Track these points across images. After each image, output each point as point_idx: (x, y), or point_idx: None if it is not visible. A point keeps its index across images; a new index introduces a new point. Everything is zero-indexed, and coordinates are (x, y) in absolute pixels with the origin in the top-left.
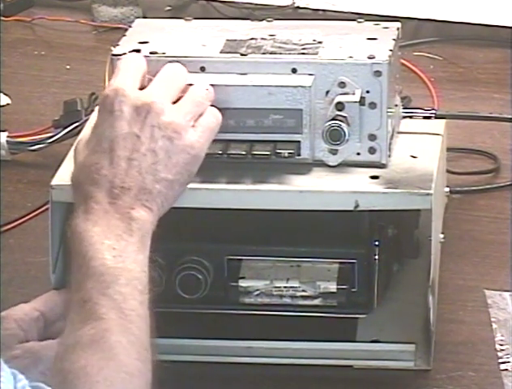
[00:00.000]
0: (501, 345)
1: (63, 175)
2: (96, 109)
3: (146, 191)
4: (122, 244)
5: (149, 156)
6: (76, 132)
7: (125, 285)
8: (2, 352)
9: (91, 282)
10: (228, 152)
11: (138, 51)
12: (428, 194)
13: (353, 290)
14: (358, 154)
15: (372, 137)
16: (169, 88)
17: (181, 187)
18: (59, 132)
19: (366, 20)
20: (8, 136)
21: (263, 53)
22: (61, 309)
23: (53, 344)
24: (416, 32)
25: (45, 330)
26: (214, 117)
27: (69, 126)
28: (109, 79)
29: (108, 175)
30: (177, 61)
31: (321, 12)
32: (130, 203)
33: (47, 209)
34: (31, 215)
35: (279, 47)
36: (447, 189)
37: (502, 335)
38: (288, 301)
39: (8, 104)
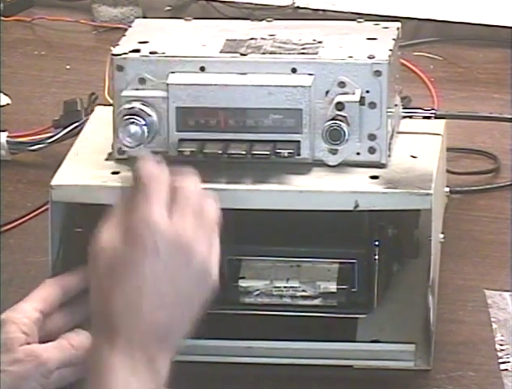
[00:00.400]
0: (501, 345)
1: (63, 175)
2: (97, 108)
3: (172, 337)
4: None
5: (179, 300)
6: (76, 132)
7: None
8: (3, 355)
9: None
10: (228, 152)
11: (137, 51)
12: (427, 194)
13: (353, 290)
14: (358, 154)
15: (372, 137)
16: (195, 210)
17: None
18: (59, 132)
19: (366, 20)
20: (8, 136)
21: (263, 53)
22: (59, 300)
23: (55, 346)
24: (416, 32)
25: (45, 323)
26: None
27: (69, 125)
28: (109, 80)
29: (139, 319)
30: (177, 61)
31: (321, 12)
32: (157, 349)
33: (47, 209)
34: (31, 215)
35: (279, 47)
36: (447, 189)
37: (502, 335)
38: (287, 301)
39: (8, 104)
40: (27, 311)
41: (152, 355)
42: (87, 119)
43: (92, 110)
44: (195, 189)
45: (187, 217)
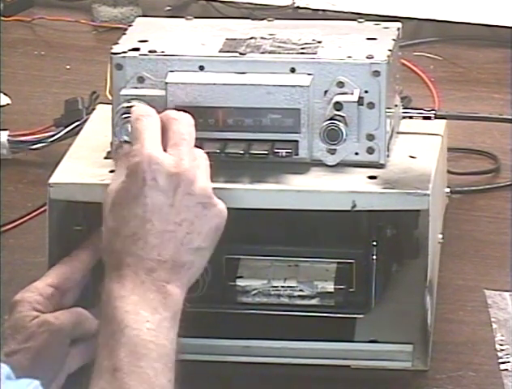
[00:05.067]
0: (501, 345)
1: (61, 173)
2: (99, 106)
3: (181, 264)
4: (157, 318)
5: (184, 226)
6: (77, 131)
7: (156, 360)
8: (17, 334)
9: (124, 351)
10: (226, 151)
11: (137, 49)
12: (425, 195)
13: (351, 290)
14: (356, 154)
15: (370, 137)
16: (191, 150)
17: (211, 252)
18: (60, 131)
19: (366, 20)
20: (9, 135)
21: (262, 53)
22: (76, 275)
23: (66, 311)
24: (416, 32)
25: (60, 300)
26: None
27: (70, 125)
28: (110, 79)
29: (144, 248)
30: (176, 60)
31: (321, 12)
32: (165, 277)
33: None
34: (31, 215)
35: (279, 46)
36: (448, 189)
37: (502, 335)
38: (285, 300)
39: (8, 104)
40: (40, 288)
41: (162, 282)
42: (88, 118)
43: (93, 109)
44: (187, 123)
45: (182, 148)
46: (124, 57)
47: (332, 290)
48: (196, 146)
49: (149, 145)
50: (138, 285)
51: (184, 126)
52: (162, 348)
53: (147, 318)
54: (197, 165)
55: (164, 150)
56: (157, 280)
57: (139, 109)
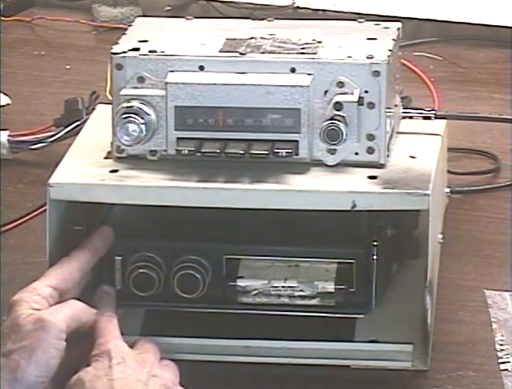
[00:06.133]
0: (501, 345)
1: (61, 173)
2: (99, 106)
3: None
4: None
5: None
6: (77, 131)
7: None
8: (13, 333)
9: None
10: (226, 151)
11: (137, 49)
12: (425, 195)
13: (351, 290)
14: (356, 154)
15: (370, 137)
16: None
17: None
18: (60, 131)
19: (367, 20)
20: (9, 135)
21: (262, 53)
22: (74, 275)
23: (60, 305)
24: (416, 32)
25: (59, 300)
26: None
27: (70, 124)
28: (110, 80)
29: None
30: (176, 60)
31: (321, 12)
32: None
33: None
34: (31, 215)
35: (279, 46)
36: (448, 190)
37: (502, 335)
38: (285, 300)
39: (8, 104)
40: (39, 288)
41: None
42: (88, 118)
43: (94, 109)
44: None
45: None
46: (124, 57)
47: (332, 290)
48: (196, 146)
49: (115, 336)
50: None
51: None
52: None
53: None
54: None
55: None
56: None
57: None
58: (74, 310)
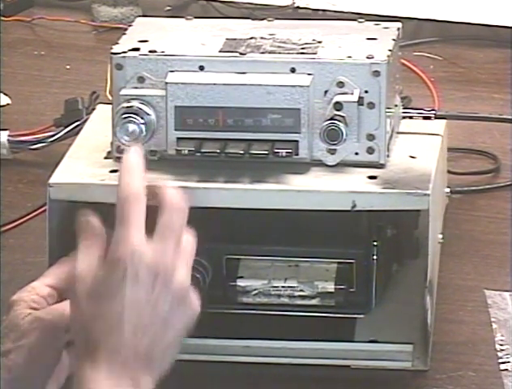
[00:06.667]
0: (501, 345)
1: (61, 173)
2: (99, 106)
3: (154, 358)
4: None
5: (159, 321)
6: (77, 131)
7: None
8: (12, 332)
9: None
10: (226, 151)
11: (137, 49)
12: (425, 195)
13: (351, 290)
14: (356, 154)
15: (370, 137)
16: (178, 242)
17: (178, 349)
18: (60, 131)
19: (367, 20)
20: (9, 135)
21: (262, 53)
22: (74, 276)
23: (57, 305)
24: (416, 32)
25: (58, 300)
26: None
27: (70, 125)
28: (110, 79)
29: (120, 340)
30: (176, 60)
31: (321, 12)
32: (139, 370)
33: None
34: (31, 215)
35: (279, 46)
36: (448, 190)
37: (502, 335)
38: (286, 300)
39: (8, 104)
40: (37, 288)
41: (136, 378)
42: (88, 118)
43: (94, 109)
44: (180, 215)
45: (167, 242)
46: (124, 57)
47: (332, 290)
48: (196, 146)
49: (134, 235)
50: (113, 376)
51: (176, 217)
52: None
53: None
54: (180, 258)
55: (150, 235)
56: (131, 373)
57: (129, 184)
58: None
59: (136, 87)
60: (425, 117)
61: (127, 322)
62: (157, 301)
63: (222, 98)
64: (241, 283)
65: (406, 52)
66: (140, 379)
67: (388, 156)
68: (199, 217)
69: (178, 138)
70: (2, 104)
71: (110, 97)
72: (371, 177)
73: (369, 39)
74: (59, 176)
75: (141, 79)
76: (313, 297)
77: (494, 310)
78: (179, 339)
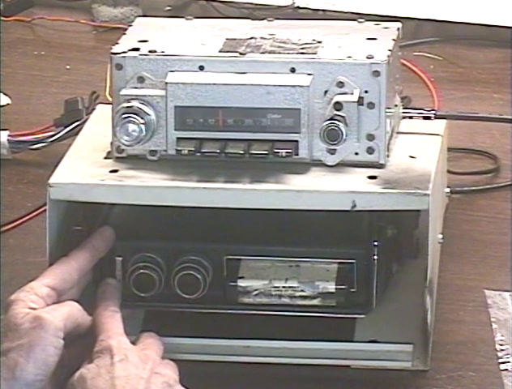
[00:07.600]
0: (501, 345)
1: (61, 173)
2: (99, 106)
3: None
4: None
5: None
6: (77, 131)
7: None
8: (11, 332)
9: None
10: (226, 151)
11: (137, 49)
12: (425, 195)
13: (352, 290)
14: (356, 154)
15: (370, 137)
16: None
17: None
18: (60, 131)
19: (367, 20)
20: (9, 135)
21: (262, 53)
22: (73, 275)
23: (57, 305)
24: (416, 32)
25: (57, 300)
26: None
27: (70, 124)
28: (110, 79)
29: None
30: (176, 60)
31: (321, 12)
32: None
33: None
34: (31, 215)
35: (279, 46)
36: (448, 189)
37: (502, 335)
38: (286, 300)
39: (8, 104)
40: (36, 288)
41: None
42: (88, 118)
43: (94, 109)
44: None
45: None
46: (124, 57)
47: (333, 290)
48: (196, 146)
49: (116, 333)
50: None
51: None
52: None
53: None
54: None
55: None
56: None
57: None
58: (72, 310)
59: (136, 87)
60: (425, 117)
61: None
62: (149, 380)
63: (222, 98)
64: (241, 283)
65: (406, 52)
66: None
67: (388, 156)
68: (200, 217)
69: (178, 138)
70: (2, 104)
71: (110, 97)
72: (371, 177)
73: (368, 39)
74: (59, 176)
75: (141, 79)
76: (314, 298)
77: (494, 310)
78: None
